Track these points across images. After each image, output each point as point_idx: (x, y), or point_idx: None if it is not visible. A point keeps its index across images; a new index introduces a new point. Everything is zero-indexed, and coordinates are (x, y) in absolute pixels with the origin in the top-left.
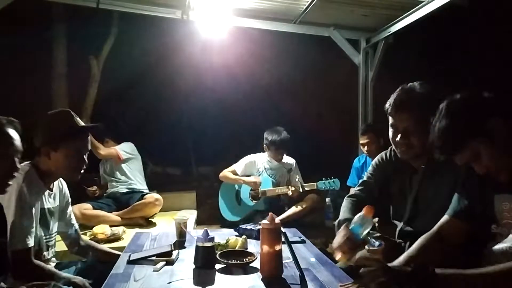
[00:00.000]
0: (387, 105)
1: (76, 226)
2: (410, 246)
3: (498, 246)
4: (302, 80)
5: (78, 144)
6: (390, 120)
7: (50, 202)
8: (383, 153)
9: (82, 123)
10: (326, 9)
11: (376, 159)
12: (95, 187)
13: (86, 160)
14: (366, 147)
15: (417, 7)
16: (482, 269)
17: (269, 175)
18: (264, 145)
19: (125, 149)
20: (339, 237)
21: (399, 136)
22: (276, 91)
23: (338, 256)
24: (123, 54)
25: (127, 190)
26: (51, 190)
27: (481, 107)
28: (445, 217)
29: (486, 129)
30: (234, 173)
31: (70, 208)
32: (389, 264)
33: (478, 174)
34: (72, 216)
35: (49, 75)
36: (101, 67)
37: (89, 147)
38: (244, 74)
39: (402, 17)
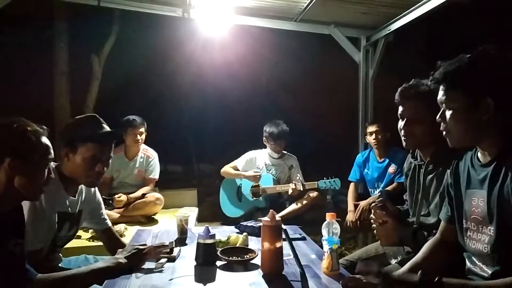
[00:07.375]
0: (396, 95)
1: (109, 223)
2: (413, 236)
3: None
4: (303, 78)
5: (98, 148)
6: (399, 109)
7: (70, 205)
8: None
9: (107, 129)
10: (327, 7)
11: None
12: (121, 195)
13: (105, 167)
14: (374, 135)
15: (417, 5)
16: (490, 282)
17: (269, 172)
18: (264, 138)
19: (157, 162)
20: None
21: (403, 123)
22: (277, 89)
23: None
24: (124, 52)
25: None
26: (74, 195)
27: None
28: (441, 223)
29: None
30: (236, 168)
31: (102, 209)
32: (395, 272)
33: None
34: (105, 215)
35: (51, 73)
36: (102, 65)
37: (111, 154)
38: (245, 72)
39: (402, 15)
